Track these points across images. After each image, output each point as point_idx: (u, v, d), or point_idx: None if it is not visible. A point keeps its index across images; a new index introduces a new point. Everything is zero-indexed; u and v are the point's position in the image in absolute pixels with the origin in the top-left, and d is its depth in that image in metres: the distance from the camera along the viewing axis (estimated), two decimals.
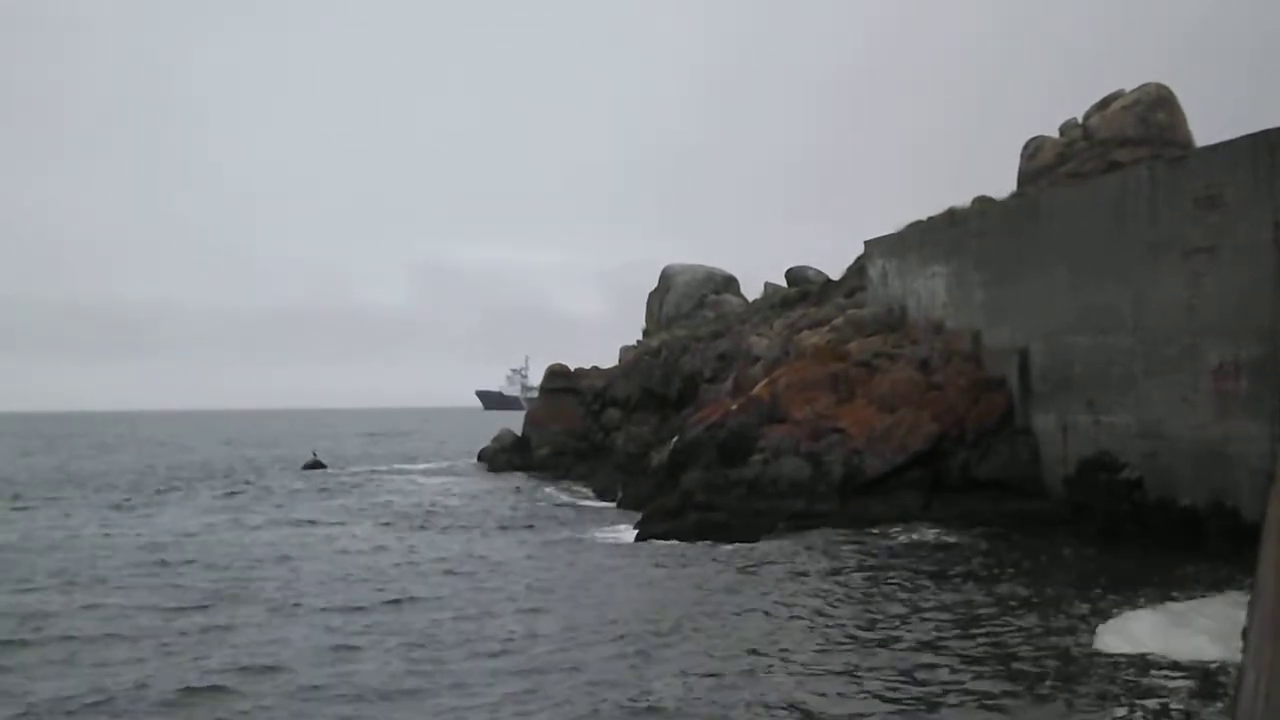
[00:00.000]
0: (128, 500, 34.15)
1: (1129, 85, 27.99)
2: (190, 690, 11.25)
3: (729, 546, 21.02)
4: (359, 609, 15.60)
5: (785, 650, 12.60)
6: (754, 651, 12.58)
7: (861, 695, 10.75)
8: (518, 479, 39.59)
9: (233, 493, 36.48)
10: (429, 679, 11.62)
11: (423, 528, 26.24)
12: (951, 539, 20.55)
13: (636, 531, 23.54)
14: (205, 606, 15.92)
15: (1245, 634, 10.73)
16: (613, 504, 30.38)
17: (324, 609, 15.62)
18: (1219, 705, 9.87)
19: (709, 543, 21.72)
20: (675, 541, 22.12)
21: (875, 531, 21.47)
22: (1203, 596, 14.24)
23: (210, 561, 20.49)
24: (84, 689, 11.34)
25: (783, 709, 10.40)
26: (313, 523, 27.51)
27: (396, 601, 16.14)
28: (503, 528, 25.91)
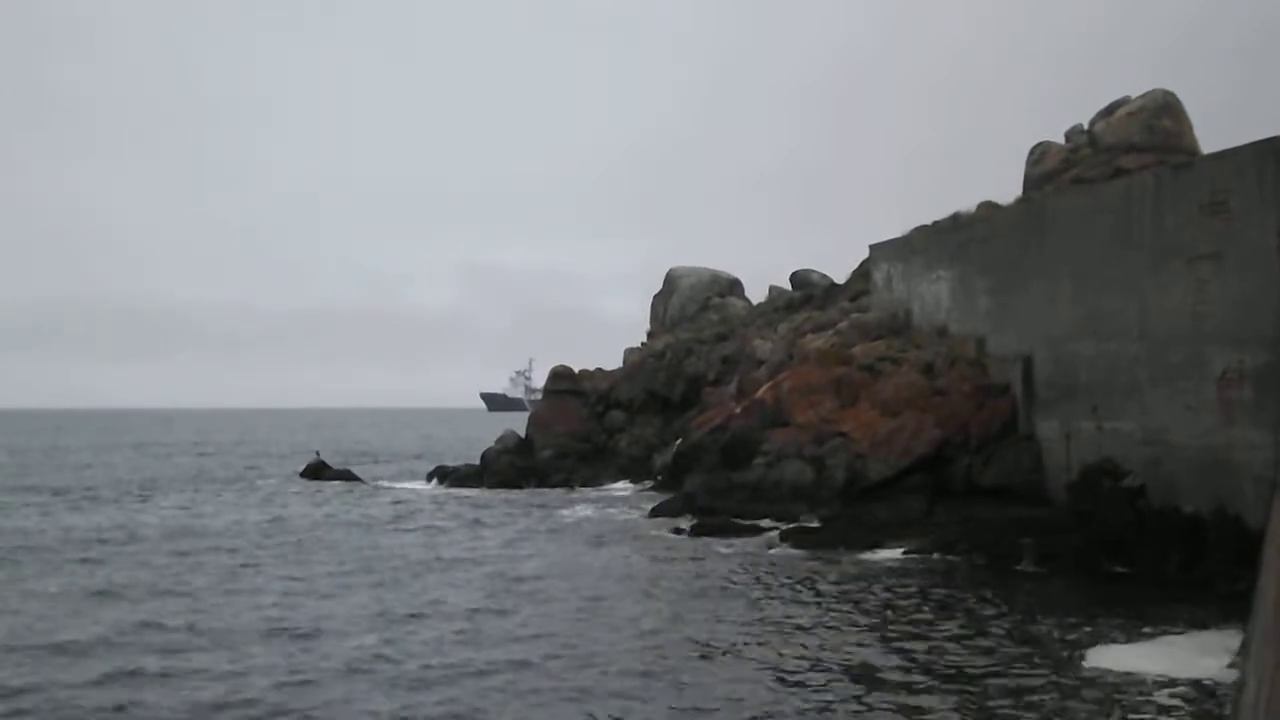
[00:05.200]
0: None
1: (1131, 89, 28.04)
2: None
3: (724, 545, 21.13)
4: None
5: (765, 671, 12.45)
6: (737, 657, 12.58)
7: (836, 706, 10.73)
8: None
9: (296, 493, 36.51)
10: None
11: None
12: (945, 559, 20.15)
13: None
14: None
15: (1245, 641, 10.76)
16: None
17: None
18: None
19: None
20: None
21: (874, 543, 21.27)
22: (1187, 633, 13.88)
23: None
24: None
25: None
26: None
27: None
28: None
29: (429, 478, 42.47)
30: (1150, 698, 10.75)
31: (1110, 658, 12.41)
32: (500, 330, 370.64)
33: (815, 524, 22.77)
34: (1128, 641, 13.37)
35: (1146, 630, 13.99)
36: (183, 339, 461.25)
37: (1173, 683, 11.15)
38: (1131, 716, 10.17)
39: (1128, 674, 11.60)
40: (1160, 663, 11.96)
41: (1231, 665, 11.18)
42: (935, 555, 20.31)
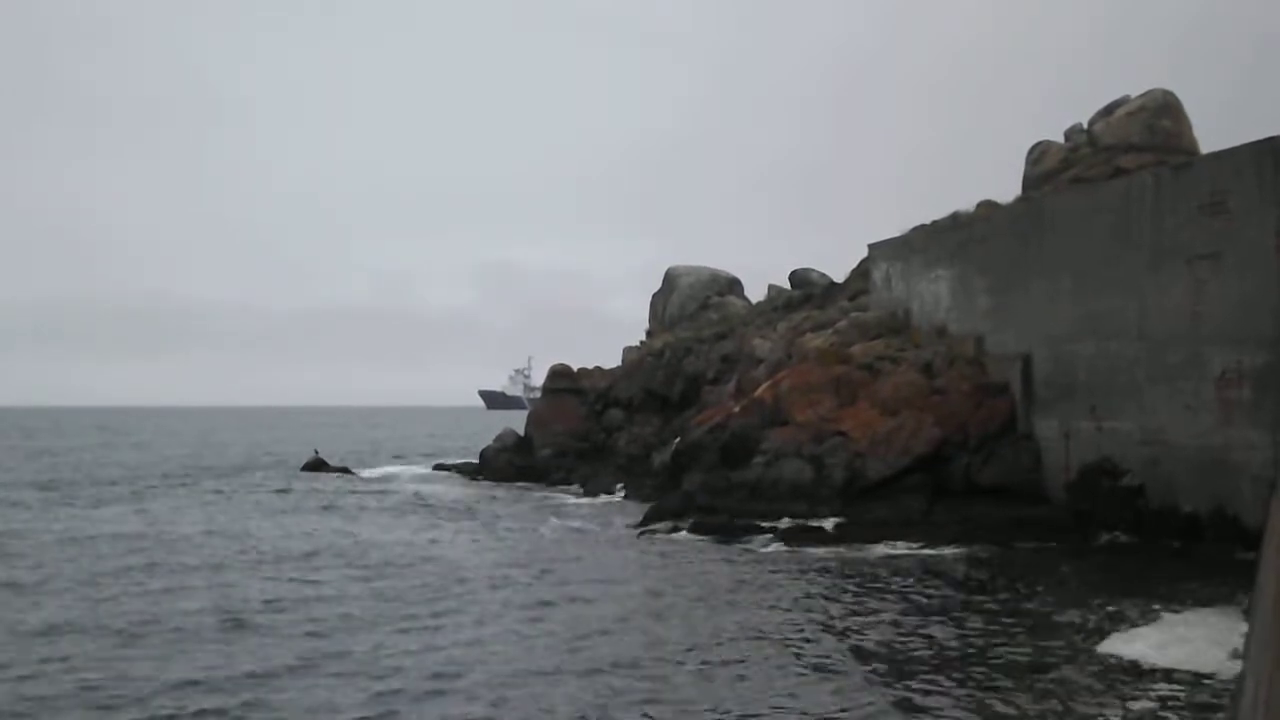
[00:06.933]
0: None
1: (1131, 89, 28.04)
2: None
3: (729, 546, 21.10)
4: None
5: (783, 654, 12.64)
6: (749, 654, 12.61)
7: (850, 697, 10.79)
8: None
9: (282, 490, 36.69)
10: None
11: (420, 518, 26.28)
12: (949, 551, 20.41)
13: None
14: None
15: (1245, 640, 10.80)
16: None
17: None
18: (1218, 715, 9.89)
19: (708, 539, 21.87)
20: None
21: (874, 541, 21.35)
22: (1201, 608, 14.23)
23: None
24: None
25: (781, 709, 10.44)
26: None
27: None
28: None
29: (427, 475, 42.49)
30: (1157, 686, 10.85)
31: (1117, 643, 12.55)
32: (507, 329, 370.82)
33: (815, 523, 22.76)
34: (1135, 625, 13.51)
35: (1155, 607, 14.25)
36: (183, 338, 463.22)
37: (1178, 671, 11.28)
38: (1137, 706, 10.23)
39: (1135, 660, 11.73)
40: (1167, 648, 12.09)
41: (1235, 656, 11.28)
42: (937, 550, 20.40)
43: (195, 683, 11.35)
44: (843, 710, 10.48)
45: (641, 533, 23.51)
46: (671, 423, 36.22)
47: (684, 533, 23.24)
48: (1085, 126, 28.51)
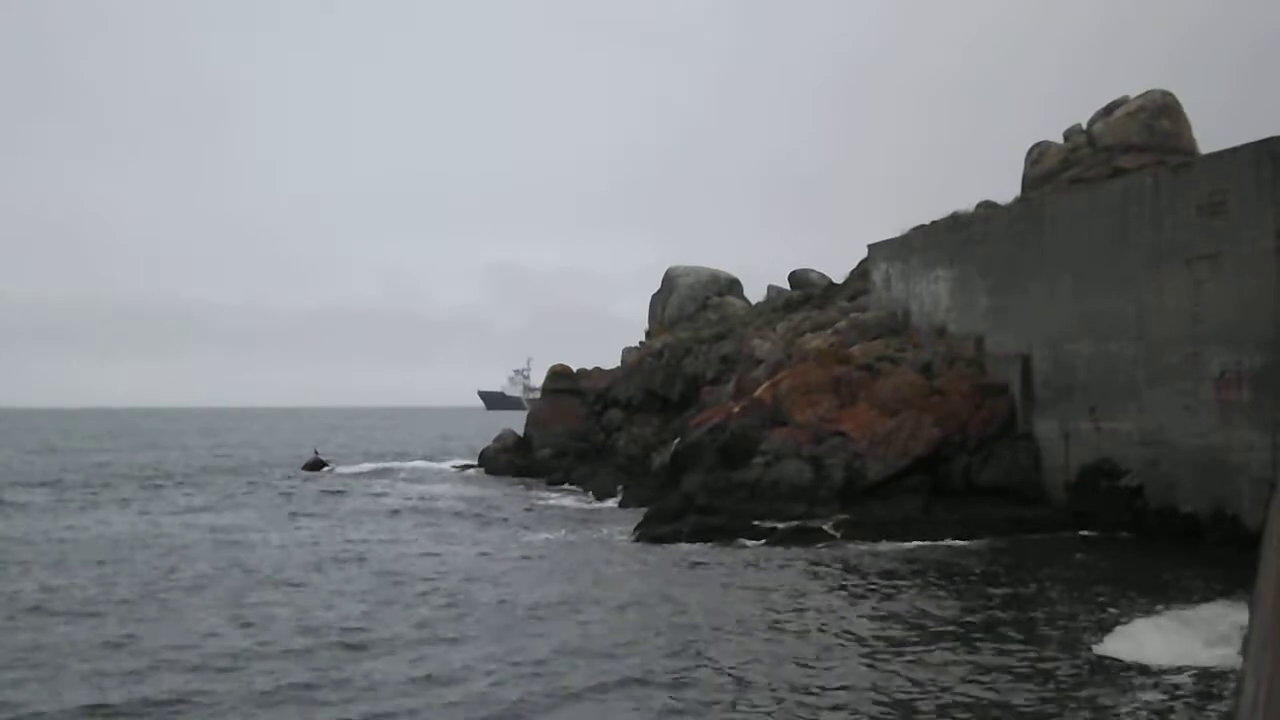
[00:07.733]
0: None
1: (1131, 90, 28.06)
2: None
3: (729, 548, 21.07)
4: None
5: (792, 654, 12.67)
6: (759, 658, 12.63)
7: (863, 699, 10.81)
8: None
9: (283, 491, 36.68)
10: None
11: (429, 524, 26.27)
12: (953, 546, 20.57)
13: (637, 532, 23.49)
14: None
15: (1244, 641, 10.83)
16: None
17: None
18: (1222, 708, 9.93)
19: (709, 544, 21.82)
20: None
21: (874, 541, 21.39)
22: (1205, 603, 14.34)
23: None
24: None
25: (788, 711, 10.46)
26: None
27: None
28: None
29: (426, 475, 42.46)
30: (1157, 683, 10.91)
31: (1118, 639, 12.62)
32: (513, 330, 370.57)
33: (814, 523, 22.76)
34: (1135, 622, 13.58)
35: (1155, 604, 14.34)
36: (185, 338, 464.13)
37: (1178, 668, 11.37)
38: (1137, 702, 10.27)
39: (1135, 656, 11.79)
40: (1168, 644, 12.17)
41: (1234, 652, 11.34)
42: (937, 550, 20.44)
43: (189, 698, 11.29)
44: (846, 708, 10.51)
45: (641, 534, 23.47)
46: (671, 423, 36.20)
47: (683, 533, 23.21)
48: (1085, 127, 28.53)
